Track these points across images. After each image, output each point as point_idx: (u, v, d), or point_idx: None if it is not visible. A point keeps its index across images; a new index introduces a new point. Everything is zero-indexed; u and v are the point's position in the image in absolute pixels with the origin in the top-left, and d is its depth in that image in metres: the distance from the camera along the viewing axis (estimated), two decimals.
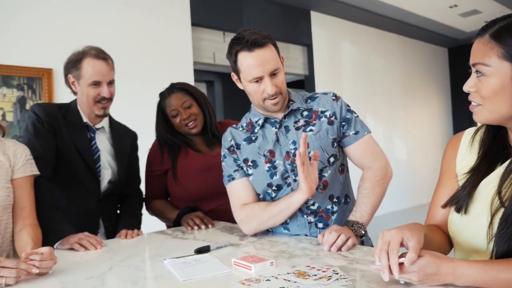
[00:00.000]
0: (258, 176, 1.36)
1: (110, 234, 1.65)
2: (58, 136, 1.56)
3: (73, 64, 1.58)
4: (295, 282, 0.88)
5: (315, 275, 0.92)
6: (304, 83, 4.95)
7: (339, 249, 1.12)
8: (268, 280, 0.91)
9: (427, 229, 0.96)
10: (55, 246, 1.36)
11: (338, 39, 5.35)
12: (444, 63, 7.44)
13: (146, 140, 1.89)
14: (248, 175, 1.38)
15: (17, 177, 1.32)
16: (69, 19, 3.21)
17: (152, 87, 3.48)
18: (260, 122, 1.38)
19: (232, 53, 1.29)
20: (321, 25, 5.07)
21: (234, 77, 1.37)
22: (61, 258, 1.21)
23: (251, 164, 1.37)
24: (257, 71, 1.25)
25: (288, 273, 0.94)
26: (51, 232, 1.37)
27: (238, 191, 1.39)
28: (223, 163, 1.43)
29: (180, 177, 1.74)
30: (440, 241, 0.98)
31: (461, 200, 0.92)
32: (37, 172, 1.38)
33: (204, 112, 1.80)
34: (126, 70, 2.97)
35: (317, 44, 4.97)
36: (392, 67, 6.21)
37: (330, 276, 0.90)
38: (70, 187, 1.57)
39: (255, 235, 1.37)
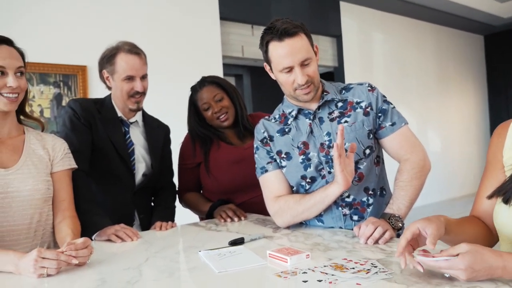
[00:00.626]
0: (292, 168, 1.34)
1: (145, 226, 1.67)
2: (93, 131, 1.59)
3: (107, 59, 1.61)
4: (332, 275, 0.87)
5: (353, 268, 0.90)
6: (333, 75, 4.87)
7: (376, 242, 1.09)
8: (304, 272, 0.90)
9: (459, 220, 0.95)
10: (92, 238, 1.39)
11: (369, 30, 5.22)
12: (480, 51, 7.13)
13: (178, 134, 1.91)
14: (281, 167, 1.37)
15: (56, 171, 1.36)
16: (101, 16, 3.28)
17: (183, 81, 3.51)
18: (294, 113, 1.36)
19: (263, 43, 1.27)
20: (351, 15, 4.96)
21: (266, 67, 1.35)
22: (99, 249, 1.24)
23: (285, 156, 1.36)
24: (287, 61, 1.23)
25: (324, 266, 0.93)
26: (88, 225, 1.40)
27: (271, 183, 1.38)
28: (256, 155, 1.42)
29: (213, 169, 1.75)
30: (477, 232, 0.96)
31: (509, 191, 0.88)
32: (75, 166, 1.41)
33: (235, 104, 1.80)
34: (156, 65, 2.99)
35: (347, 35, 4.87)
36: (425, 57, 6.01)
37: (368, 269, 0.88)
38: (106, 180, 1.60)
39: (288, 227, 1.36)
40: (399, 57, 5.59)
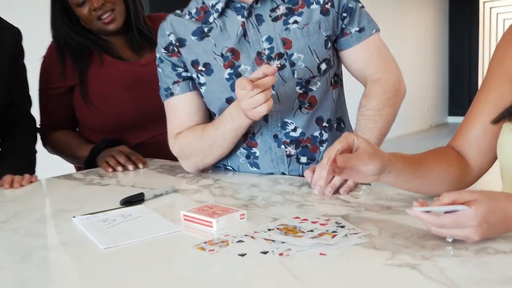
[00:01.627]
0: (214, 86, 1.30)
1: None
2: None
3: None
4: (283, 242, 0.76)
5: (311, 230, 0.80)
6: None
7: (336, 191, 1.05)
8: (240, 241, 0.79)
9: (420, 155, 0.96)
10: None
11: None
12: None
13: (38, 42, 1.74)
14: (199, 84, 1.30)
15: None
16: None
17: None
18: (219, 6, 1.26)
19: None
20: None
21: None
22: None
23: (203, 68, 1.29)
24: None
25: (269, 230, 0.82)
26: None
27: (176, 112, 1.35)
28: (159, 70, 1.37)
29: (94, 96, 1.66)
30: (448, 171, 0.95)
31: None
32: None
33: (127, 4, 1.69)
34: None
35: None
36: None
37: (334, 232, 0.79)
38: None
39: (208, 176, 1.32)
40: None
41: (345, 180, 1.07)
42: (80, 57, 1.66)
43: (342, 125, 1.35)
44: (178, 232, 0.87)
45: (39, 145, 1.71)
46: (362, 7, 1.31)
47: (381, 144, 1.22)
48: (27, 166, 1.54)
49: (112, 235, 0.86)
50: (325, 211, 0.93)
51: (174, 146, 1.35)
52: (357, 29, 1.27)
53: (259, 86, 1.06)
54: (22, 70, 1.65)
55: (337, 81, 1.34)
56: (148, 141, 1.69)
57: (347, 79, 1.39)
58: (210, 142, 1.27)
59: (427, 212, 0.70)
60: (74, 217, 0.98)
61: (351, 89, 1.57)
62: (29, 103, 1.68)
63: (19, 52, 1.64)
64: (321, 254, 0.72)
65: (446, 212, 0.68)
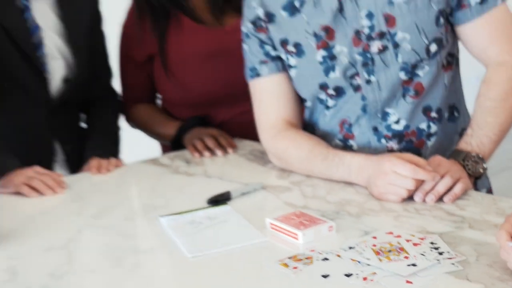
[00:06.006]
0: (305, 69, 1.37)
1: (74, 162, 1.73)
2: None
3: None
4: (368, 264, 0.89)
5: (402, 250, 0.93)
6: None
7: (440, 198, 1.12)
8: (325, 259, 0.93)
9: None
10: None
11: None
12: None
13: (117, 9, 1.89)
14: (289, 66, 1.39)
15: None
16: None
17: None
18: None
19: None
20: None
21: None
22: (11, 209, 1.34)
23: (294, 49, 1.36)
24: None
25: (357, 246, 0.95)
26: None
27: (265, 98, 1.44)
28: (244, 46, 1.45)
29: (174, 66, 1.77)
30: None
31: None
32: None
33: None
34: None
35: None
36: None
37: (424, 254, 0.91)
38: (2, 95, 1.62)
39: None
40: None
41: (454, 183, 1.13)
42: (158, 18, 1.76)
43: (456, 114, 1.38)
44: (264, 242, 1.02)
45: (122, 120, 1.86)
46: None
47: (501, 141, 1.26)
48: (112, 146, 1.74)
49: (199, 241, 1.04)
50: (422, 226, 1.02)
51: (269, 145, 1.44)
52: (477, 0, 1.27)
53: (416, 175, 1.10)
54: (101, 38, 1.82)
55: (451, 61, 1.35)
56: (235, 120, 1.78)
57: (465, 56, 1.39)
58: (311, 170, 1.34)
59: None
60: (161, 216, 1.16)
61: (472, 66, 1.58)
62: (109, 74, 1.85)
63: (97, 19, 1.81)
64: (407, 282, 0.83)
65: None
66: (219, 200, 1.23)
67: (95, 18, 1.81)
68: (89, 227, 1.19)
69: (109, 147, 1.71)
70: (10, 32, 1.59)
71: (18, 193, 1.41)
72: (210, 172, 1.49)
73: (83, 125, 1.86)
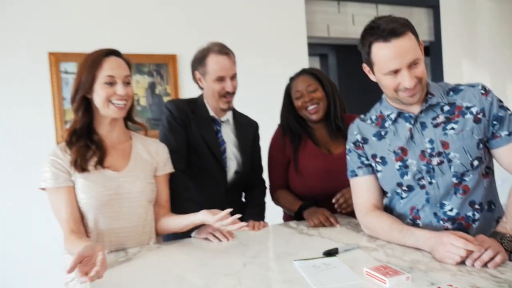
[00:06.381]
0: (387, 173, 1.32)
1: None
2: (188, 130, 1.70)
3: (199, 61, 1.69)
4: None
5: None
6: (429, 50, 4.52)
7: (484, 265, 1.03)
8: None
9: None
10: (192, 235, 1.52)
11: None
12: None
13: (264, 127, 1.97)
14: (376, 171, 1.35)
15: (159, 174, 1.49)
16: (188, 7, 3.41)
17: (269, 73, 3.56)
18: (393, 116, 1.31)
19: (366, 44, 1.22)
20: None
21: (365, 68, 1.30)
22: (199, 247, 1.39)
23: (380, 160, 1.33)
24: (394, 63, 1.17)
25: None
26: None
27: (359, 189, 1.39)
28: (347, 157, 1.43)
29: (302, 170, 1.77)
30: None
31: None
32: (173, 170, 1.54)
33: (328, 98, 1.78)
34: (241, 55, 3.07)
35: (446, 5, 4.45)
36: None
37: None
38: (200, 178, 1.71)
39: None
40: (510, 26, 4.98)
41: (495, 255, 1.04)
42: (294, 138, 1.78)
43: (493, 207, 1.28)
44: (362, 283, 0.98)
45: (267, 198, 1.88)
46: (511, 114, 1.24)
47: None
48: (261, 213, 1.78)
49: (320, 278, 1.02)
50: (473, 283, 0.94)
51: (362, 217, 1.38)
52: (506, 133, 1.22)
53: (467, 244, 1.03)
54: (258, 149, 1.90)
55: (488, 172, 1.27)
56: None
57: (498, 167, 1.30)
58: (390, 238, 1.27)
59: None
60: (294, 260, 1.15)
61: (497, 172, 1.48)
62: (261, 170, 1.91)
63: (256, 138, 1.90)
64: None
65: None
66: (331, 253, 1.21)
67: (256, 137, 1.90)
68: (250, 263, 1.19)
69: (260, 215, 1.74)
70: (209, 144, 1.70)
71: (206, 238, 1.47)
72: (323, 234, 1.46)
73: (243, 199, 1.91)
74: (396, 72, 1.18)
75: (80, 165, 1.36)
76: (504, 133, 1.22)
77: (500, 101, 1.24)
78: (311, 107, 1.74)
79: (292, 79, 1.83)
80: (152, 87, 3.39)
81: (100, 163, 1.39)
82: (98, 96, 1.35)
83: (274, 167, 1.86)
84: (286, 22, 3.71)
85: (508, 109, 1.24)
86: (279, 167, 1.84)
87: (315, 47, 4.36)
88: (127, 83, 1.40)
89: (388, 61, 1.17)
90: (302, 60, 3.75)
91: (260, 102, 2.89)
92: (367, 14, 4.12)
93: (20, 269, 2.87)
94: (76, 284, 1.38)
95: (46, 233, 2.57)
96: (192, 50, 3.49)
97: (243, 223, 1.37)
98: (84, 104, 1.38)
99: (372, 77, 1.30)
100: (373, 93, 5.27)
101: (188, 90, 3.40)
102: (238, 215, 1.36)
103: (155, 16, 3.33)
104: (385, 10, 4.20)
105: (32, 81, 3.00)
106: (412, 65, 1.18)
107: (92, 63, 1.35)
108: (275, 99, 2.00)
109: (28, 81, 2.98)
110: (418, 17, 4.41)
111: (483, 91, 1.24)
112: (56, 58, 3.07)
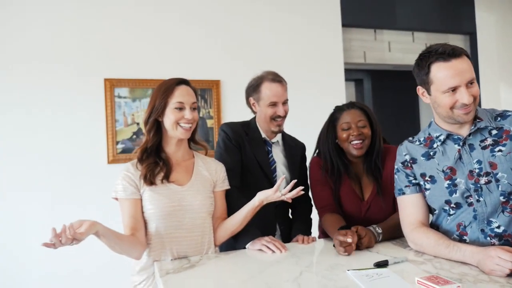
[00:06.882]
0: (436, 191, 1.39)
1: (285, 236, 1.87)
2: (242, 151, 1.84)
3: (253, 88, 1.85)
4: None
5: None
6: None
7: None
8: None
9: None
10: (246, 246, 1.63)
11: (510, 22, 4.74)
12: None
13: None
14: (425, 189, 1.42)
15: (217, 190, 1.64)
16: (232, 34, 3.64)
17: (306, 93, 3.71)
18: (442, 137, 1.38)
19: (425, 65, 1.32)
20: (488, 8, 4.57)
21: (419, 91, 1.39)
22: (253, 258, 1.49)
23: (429, 179, 1.40)
24: (454, 81, 1.26)
25: None
26: (242, 234, 1.64)
27: (407, 207, 1.46)
28: (395, 176, 1.51)
29: (343, 203, 1.78)
30: None
31: None
32: (229, 187, 1.67)
33: (374, 137, 1.76)
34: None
35: (482, 31, 4.51)
36: None
37: None
38: (252, 194, 1.78)
39: None
40: None
41: None
42: (334, 173, 1.77)
43: None
44: None
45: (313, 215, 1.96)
46: None
47: None
48: (308, 229, 1.85)
49: (373, 286, 1.10)
50: None
51: (409, 234, 1.43)
52: None
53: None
54: (304, 169, 1.98)
55: None
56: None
57: None
58: (437, 253, 1.32)
59: None
60: (348, 270, 1.23)
61: None
62: (307, 188, 1.93)
63: (304, 158, 2.00)
64: None
65: None
66: (382, 264, 1.28)
67: (303, 157, 1.99)
68: (305, 272, 1.28)
69: (307, 230, 1.82)
70: (261, 163, 1.83)
71: (260, 250, 1.56)
72: (371, 249, 1.51)
73: (290, 216, 1.99)
74: (454, 90, 1.27)
75: (149, 179, 1.51)
76: None
77: None
78: (356, 142, 1.71)
79: (340, 109, 1.80)
80: (197, 110, 3.58)
81: (166, 178, 1.54)
82: (169, 119, 1.52)
83: (316, 189, 1.84)
84: (324, 49, 3.87)
85: None
86: (320, 190, 1.81)
87: (351, 72, 4.49)
88: (194, 109, 1.56)
89: (448, 79, 1.26)
90: (339, 85, 3.88)
91: (299, 123, 3.00)
92: (403, 41, 4.23)
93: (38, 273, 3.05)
94: (144, 287, 1.52)
95: None
96: (234, 77, 3.72)
97: (301, 187, 1.50)
98: (155, 126, 1.55)
99: (425, 99, 1.39)
100: (405, 114, 5.27)
101: (230, 113, 3.59)
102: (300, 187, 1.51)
103: (200, 45, 3.56)
104: (421, 37, 4.30)
105: (89, 105, 3.26)
106: (468, 84, 1.27)
107: (165, 90, 1.52)
108: (310, 121, 2.08)
109: (85, 105, 3.25)
110: (454, 43, 4.47)
111: None
112: (111, 84, 3.34)
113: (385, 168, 1.76)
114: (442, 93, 1.30)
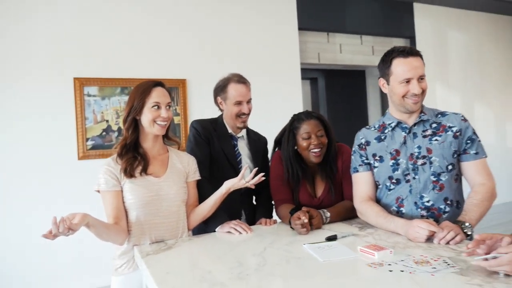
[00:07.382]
0: (382, 169, 1.59)
1: (249, 221, 2.02)
2: (211, 145, 1.98)
3: (221, 88, 1.99)
4: (411, 267, 1.14)
5: (428, 262, 1.16)
6: None
7: (447, 243, 1.30)
8: (389, 264, 1.17)
9: None
10: (216, 230, 1.77)
11: (443, 29, 5.16)
12: None
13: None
14: (374, 167, 1.62)
15: (190, 181, 1.77)
16: (195, 34, 3.75)
17: (264, 94, 3.89)
18: (393, 125, 1.59)
19: (388, 60, 1.52)
20: (425, 16, 4.95)
21: (381, 82, 1.59)
22: (224, 238, 1.62)
23: (378, 158, 1.60)
24: (409, 74, 1.46)
25: (405, 260, 1.19)
26: (212, 218, 1.78)
27: (358, 183, 1.67)
28: (352, 157, 1.71)
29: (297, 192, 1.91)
30: None
31: None
32: (200, 177, 1.81)
33: (329, 145, 1.84)
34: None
35: (421, 36, 4.89)
36: (503, 52, 5.76)
37: (439, 264, 1.14)
38: (220, 184, 1.90)
39: (371, 227, 1.62)
40: (476, 54, 5.44)
41: (455, 236, 1.30)
42: (294, 178, 1.85)
43: (459, 206, 1.53)
44: (357, 257, 1.25)
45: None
46: (479, 140, 1.54)
47: (479, 221, 1.42)
48: (270, 213, 2.01)
49: (325, 254, 1.29)
50: (439, 254, 1.22)
51: (358, 206, 1.62)
52: (474, 152, 1.51)
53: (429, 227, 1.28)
54: (266, 161, 2.13)
55: (457, 179, 1.54)
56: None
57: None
58: (376, 223, 1.53)
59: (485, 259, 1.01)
60: (304, 244, 1.41)
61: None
62: (269, 178, 2.12)
63: (266, 151, 2.15)
64: (431, 274, 1.06)
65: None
66: (332, 238, 1.46)
67: (265, 150, 2.15)
68: (269, 247, 1.44)
69: (269, 214, 1.97)
70: (228, 156, 1.96)
71: (228, 232, 1.69)
72: (323, 226, 1.69)
73: (254, 202, 2.13)
74: (408, 81, 1.47)
75: (129, 172, 1.62)
76: (472, 151, 1.51)
77: (473, 129, 1.54)
78: (316, 150, 1.78)
79: (300, 119, 1.84)
80: None
81: (144, 170, 1.65)
82: (146, 117, 1.64)
83: (276, 183, 1.91)
84: (282, 50, 4.07)
85: (478, 137, 1.54)
86: (279, 184, 1.90)
87: (307, 72, 4.73)
88: (168, 107, 1.69)
89: (405, 72, 1.47)
90: (296, 83, 4.10)
91: (260, 117, 3.16)
92: (352, 43, 4.52)
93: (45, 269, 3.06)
94: (124, 269, 1.63)
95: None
96: (199, 75, 3.83)
97: (262, 173, 1.66)
98: (134, 124, 1.66)
99: (384, 89, 1.58)
100: (355, 108, 5.58)
101: (195, 110, 3.71)
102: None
103: (167, 45, 3.65)
104: (368, 40, 4.61)
105: (59, 103, 3.26)
106: (419, 79, 1.48)
107: (143, 91, 1.64)
108: (270, 115, 2.21)
109: (55, 103, 3.25)
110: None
111: (463, 118, 1.55)
112: (80, 83, 3.36)
113: (337, 168, 1.88)
114: (398, 83, 1.49)
